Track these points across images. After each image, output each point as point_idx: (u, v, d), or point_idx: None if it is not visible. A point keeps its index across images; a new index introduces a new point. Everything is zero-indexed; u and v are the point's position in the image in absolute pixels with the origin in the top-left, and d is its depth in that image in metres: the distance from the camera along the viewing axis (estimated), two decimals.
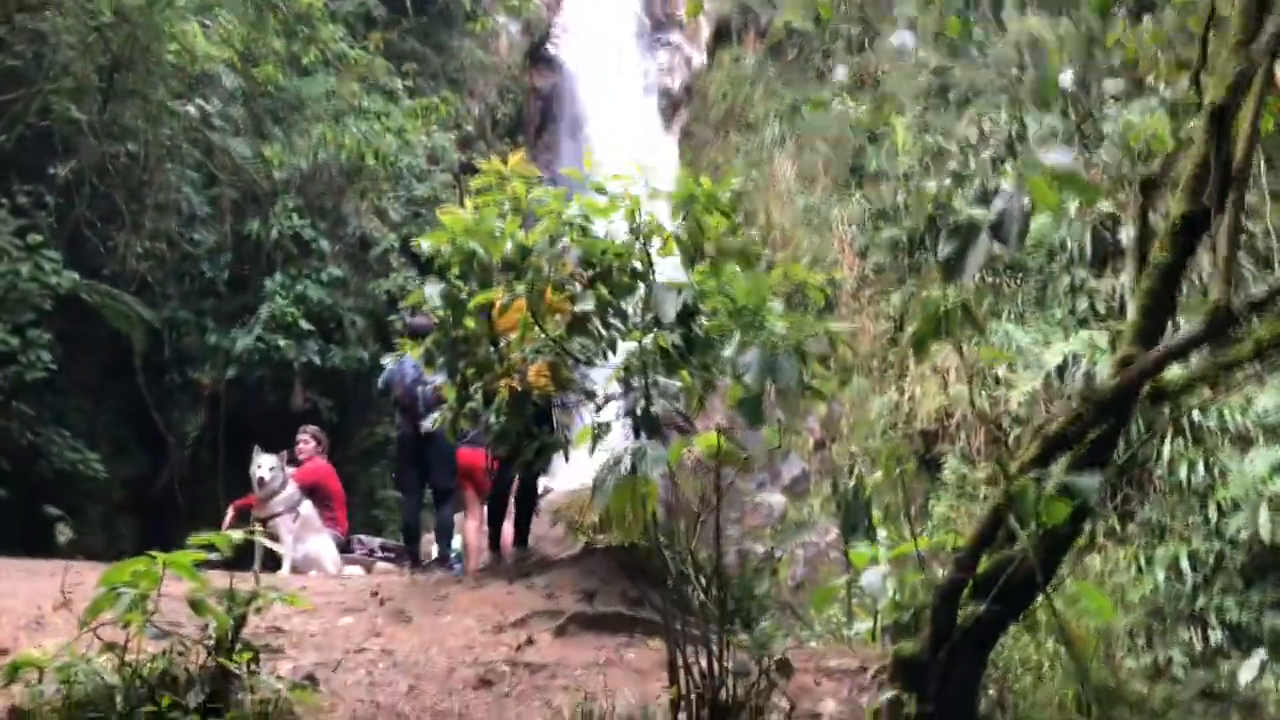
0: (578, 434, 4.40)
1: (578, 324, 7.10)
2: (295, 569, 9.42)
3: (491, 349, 7.42)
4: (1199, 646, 12.85)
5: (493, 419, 7.95)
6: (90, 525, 17.30)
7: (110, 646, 4.33)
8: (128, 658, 4.29)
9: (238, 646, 4.49)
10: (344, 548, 10.23)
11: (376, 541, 10.97)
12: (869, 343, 17.79)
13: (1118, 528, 13.98)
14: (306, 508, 9.73)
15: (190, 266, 17.48)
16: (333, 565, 9.59)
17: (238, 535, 4.74)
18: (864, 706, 4.70)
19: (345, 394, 19.61)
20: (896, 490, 8.53)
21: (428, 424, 7.80)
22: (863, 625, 5.71)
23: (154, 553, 4.82)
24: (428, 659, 5.25)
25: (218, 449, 18.59)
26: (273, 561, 9.64)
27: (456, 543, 10.61)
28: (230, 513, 10.26)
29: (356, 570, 9.87)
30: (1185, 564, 13.09)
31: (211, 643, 4.46)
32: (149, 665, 4.29)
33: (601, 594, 6.28)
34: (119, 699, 4.12)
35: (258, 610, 4.66)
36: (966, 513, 15.27)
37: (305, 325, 17.71)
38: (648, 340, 4.85)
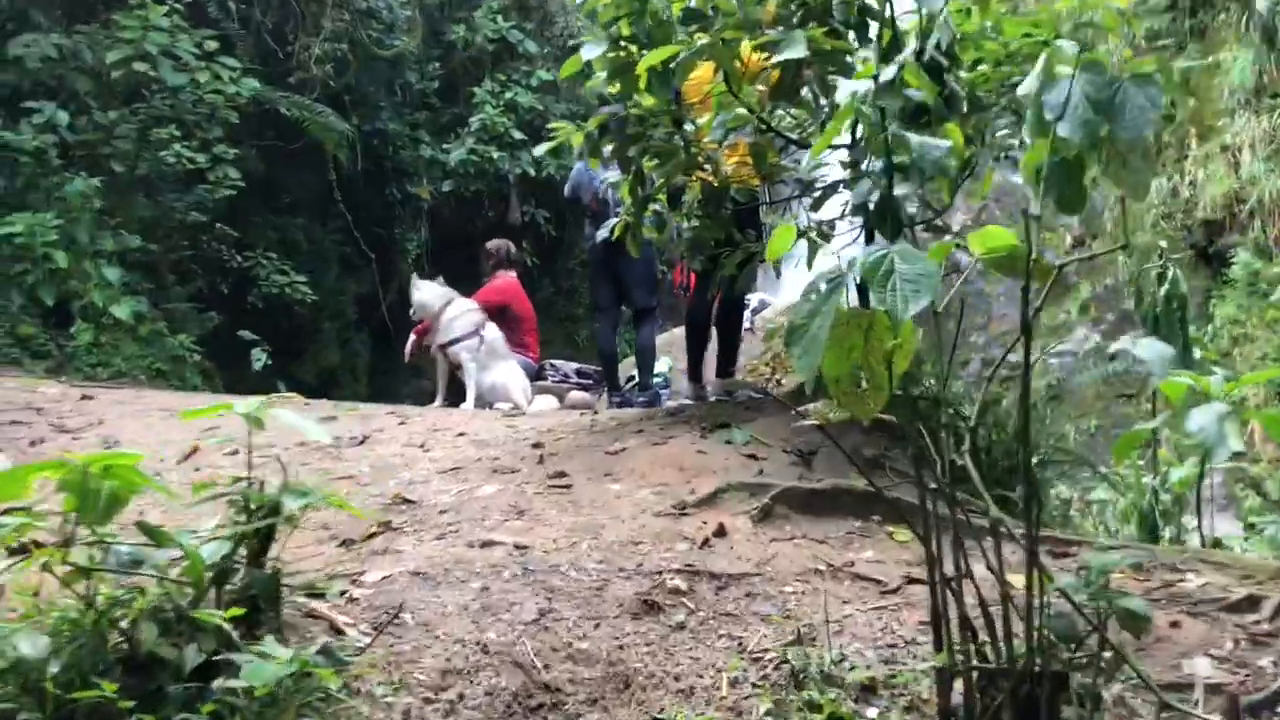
0: (775, 235, 2.44)
1: (784, 86, 5.03)
2: (481, 401, 7.84)
3: (675, 130, 5.42)
4: None
5: (684, 224, 6.03)
6: (327, 344, 16.49)
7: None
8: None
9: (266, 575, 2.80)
10: (536, 375, 8.56)
11: (572, 366, 9.25)
12: None
13: None
14: (491, 332, 8.06)
15: (397, 76, 15.92)
16: (522, 395, 7.94)
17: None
18: (1268, 670, 2.66)
19: (562, 204, 18.03)
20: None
21: (602, 233, 5.93)
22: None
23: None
24: (575, 561, 3.44)
25: (441, 264, 17.40)
26: (459, 394, 8.13)
27: (661, 365, 8.78)
28: (412, 338, 8.71)
29: (549, 401, 8.21)
30: None
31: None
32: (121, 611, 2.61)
33: (824, 454, 4.36)
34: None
35: (288, 520, 2.91)
36: (1258, 316, 12.60)
37: (517, 135, 16.09)
38: (888, 72, 2.76)
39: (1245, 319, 12.97)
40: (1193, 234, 13.96)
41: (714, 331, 6.79)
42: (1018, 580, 2.25)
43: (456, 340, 7.89)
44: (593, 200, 8.08)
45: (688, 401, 6.50)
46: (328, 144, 12.93)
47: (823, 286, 1.97)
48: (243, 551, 2.86)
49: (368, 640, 2.91)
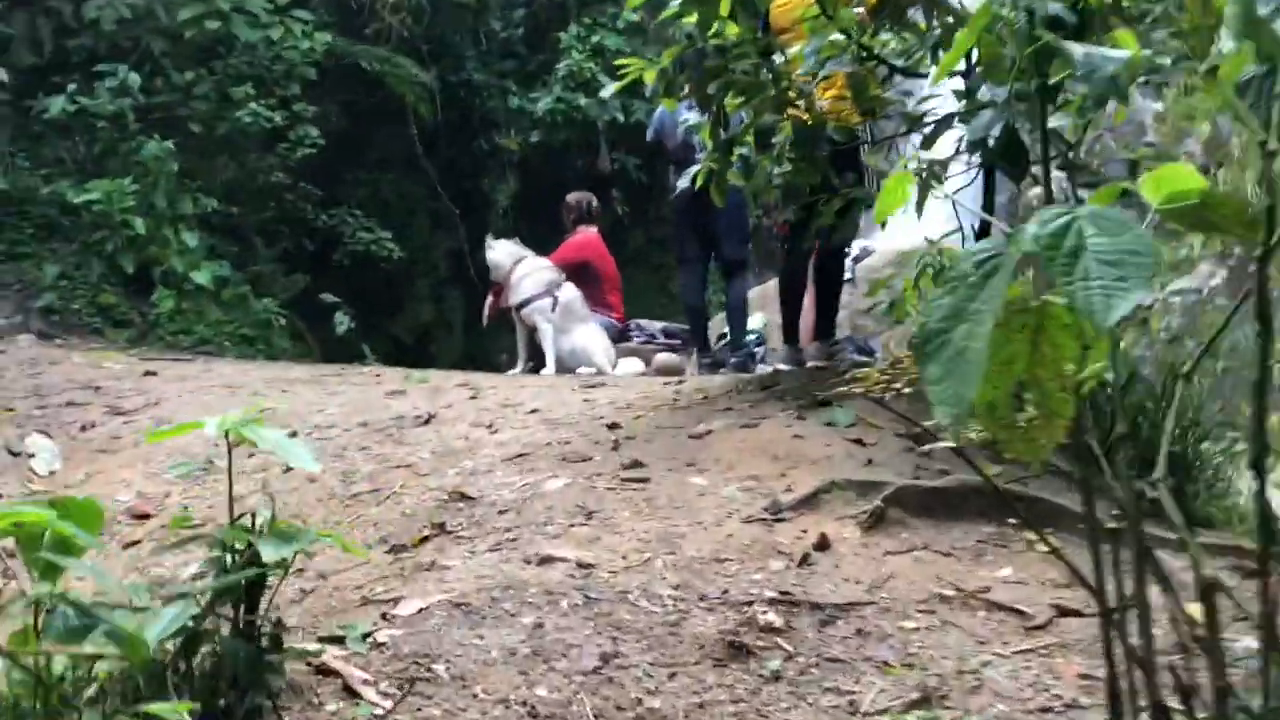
0: (886, 187, 1.77)
1: (887, 6, 4.27)
2: (562, 365, 7.23)
3: (762, 62, 4.68)
4: None
5: (774, 169, 5.29)
6: (421, 300, 16.05)
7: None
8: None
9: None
10: (619, 336, 7.91)
11: (658, 326, 8.55)
12: None
13: None
14: (568, 292, 7.42)
15: (481, 23, 15.26)
16: (605, 358, 7.31)
17: None
18: None
19: (650, 152, 17.27)
20: None
21: (683, 181, 5.24)
22: None
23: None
24: (647, 586, 2.79)
25: (533, 217, 16.82)
26: (540, 357, 7.54)
27: (755, 322, 8.06)
28: (490, 300, 8.11)
29: (634, 364, 7.56)
30: None
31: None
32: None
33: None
34: None
35: (284, 568, 2.29)
36: None
37: (605, 80, 15.32)
38: None
39: None
40: None
41: (811, 287, 6.08)
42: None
43: (528, 301, 7.30)
44: (678, 145, 7.36)
45: (783, 367, 5.81)
46: (408, 97, 12.32)
47: (971, 271, 1.26)
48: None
49: (388, 705, 2.30)
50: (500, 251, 7.56)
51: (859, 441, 3.71)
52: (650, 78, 4.74)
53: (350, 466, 4.44)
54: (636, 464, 3.82)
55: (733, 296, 7.43)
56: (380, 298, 14.48)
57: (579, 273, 7.74)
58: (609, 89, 5.14)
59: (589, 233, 8.31)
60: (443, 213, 16.10)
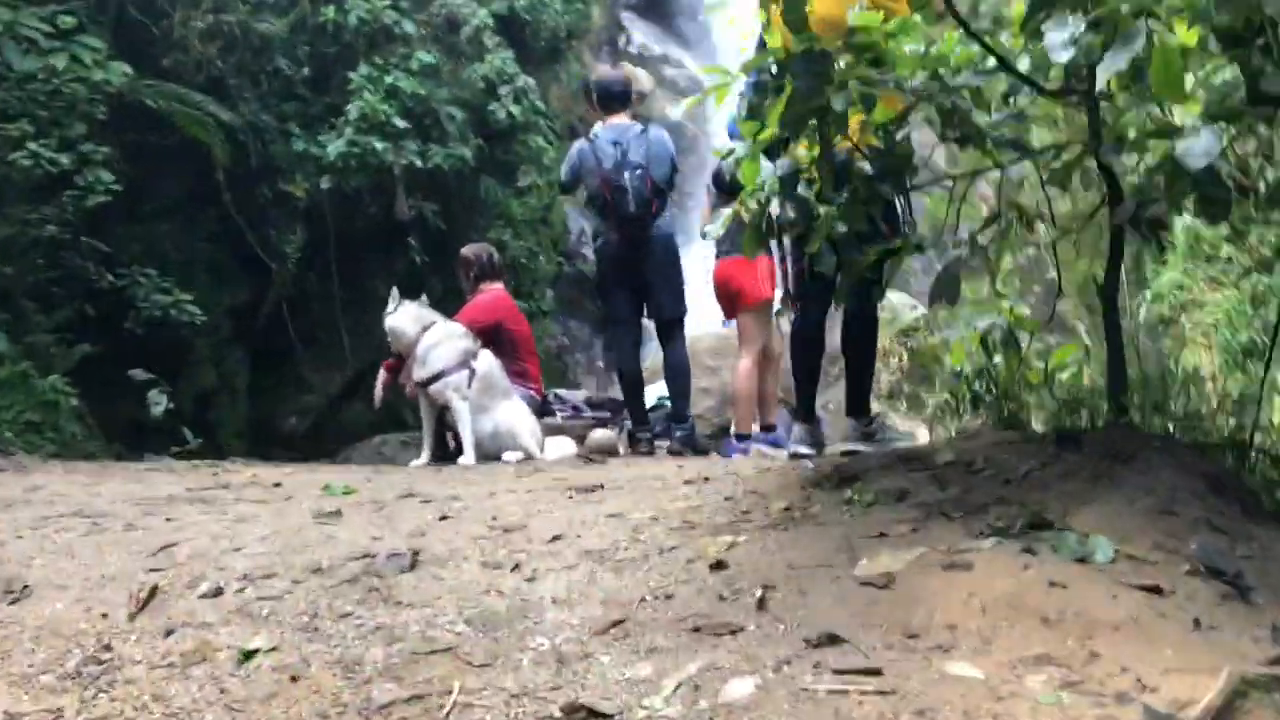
0: None
1: None
2: (481, 450, 5.78)
3: (881, 73, 3.49)
4: None
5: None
6: (199, 362, 13.94)
7: None
8: None
9: None
10: (540, 411, 6.51)
11: (579, 396, 7.21)
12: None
13: None
14: (486, 363, 5.99)
15: (265, 63, 13.42)
16: (533, 440, 5.91)
17: None
18: None
19: (450, 198, 15.80)
20: None
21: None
22: None
23: None
24: None
25: (325, 269, 15.02)
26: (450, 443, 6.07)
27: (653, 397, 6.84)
28: (382, 375, 6.55)
29: (564, 444, 6.19)
30: None
31: None
32: None
33: (1253, 567, 2.50)
34: None
35: None
36: (1204, 280, 11.36)
37: (400, 123, 13.76)
38: None
39: (1190, 283, 11.80)
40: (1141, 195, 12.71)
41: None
42: None
43: (439, 375, 5.82)
44: (603, 185, 6.09)
45: (804, 450, 4.63)
46: (200, 137, 10.44)
47: None
48: None
49: None
50: (404, 316, 6.05)
51: (1155, 589, 2.54)
52: (722, 97, 3.45)
53: (344, 649, 2.93)
54: (831, 639, 2.53)
55: (674, 360, 6.21)
56: (157, 362, 12.40)
57: (489, 337, 6.31)
58: (680, 106, 3.79)
59: (496, 289, 6.87)
60: (222, 266, 14.10)
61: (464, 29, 14.93)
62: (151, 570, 3.55)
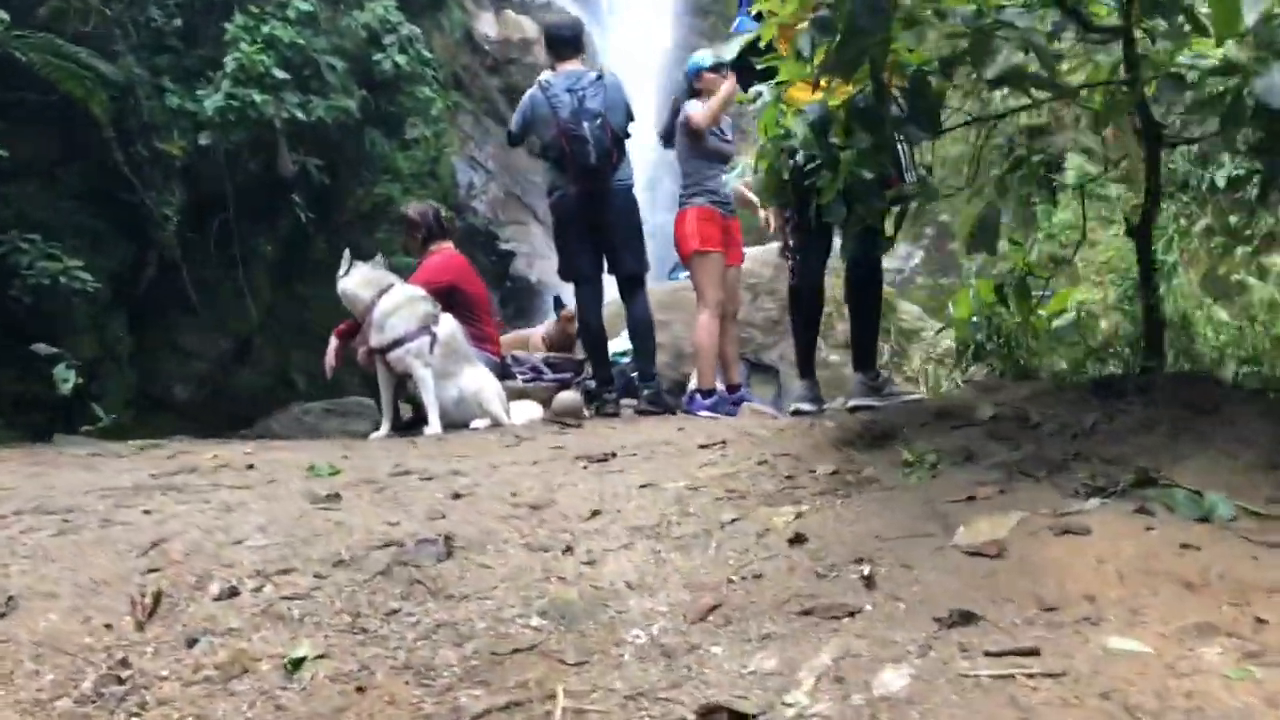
0: None
1: None
2: (447, 418, 5.42)
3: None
4: None
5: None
6: (80, 331, 13.05)
7: None
8: None
9: None
10: (501, 374, 6.15)
11: (537, 356, 6.86)
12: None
13: None
14: (447, 326, 5.60)
15: (136, 13, 12.52)
16: (501, 406, 5.57)
17: None
18: None
19: (334, 152, 15.09)
20: None
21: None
22: None
23: None
24: None
25: (206, 230, 14.20)
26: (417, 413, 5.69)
27: (617, 346, 6.58)
28: (333, 343, 6.09)
29: (529, 408, 5.86)
30: None
31: None
32: None
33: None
34: None
35: None
36: (1097, 221, 11.51)
37: (279, 74, 13.01)
38: None
39: (1079, 223, 11.99)
40: (1013, 140, 12.85)
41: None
42: None
43: (399, 341, 5.42)
44: (560, 135, 5.74)
45: (806, 407, 4.43)
46: (76, 94, 9.65)
47: None
48: None
49: None
50: (356, 279, 5.61)
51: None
52: (769, 34, 3.19)
53: (408, 653, 2.63)
54: (966, 617, 2.35)
55: (638, 316, 5.92)
56: (37, 335, 11.54)
57: (445, 300, 5.91)
58: (733, 45, 3.47)
59: (446, 249, 6.45)
60: (98, 229, 13.20)
61: None
62: (149, 571, 3.18)
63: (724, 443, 3.94)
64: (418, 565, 3.07)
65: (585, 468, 3.85)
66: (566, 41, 6.02)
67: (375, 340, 5.45)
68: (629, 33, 16.45)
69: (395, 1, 14.50)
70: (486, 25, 16.84)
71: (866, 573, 2.59)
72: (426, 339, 5.41)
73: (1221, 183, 10.64)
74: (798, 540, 2.85)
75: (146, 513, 3.71)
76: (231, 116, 12.85)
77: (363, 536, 3.32)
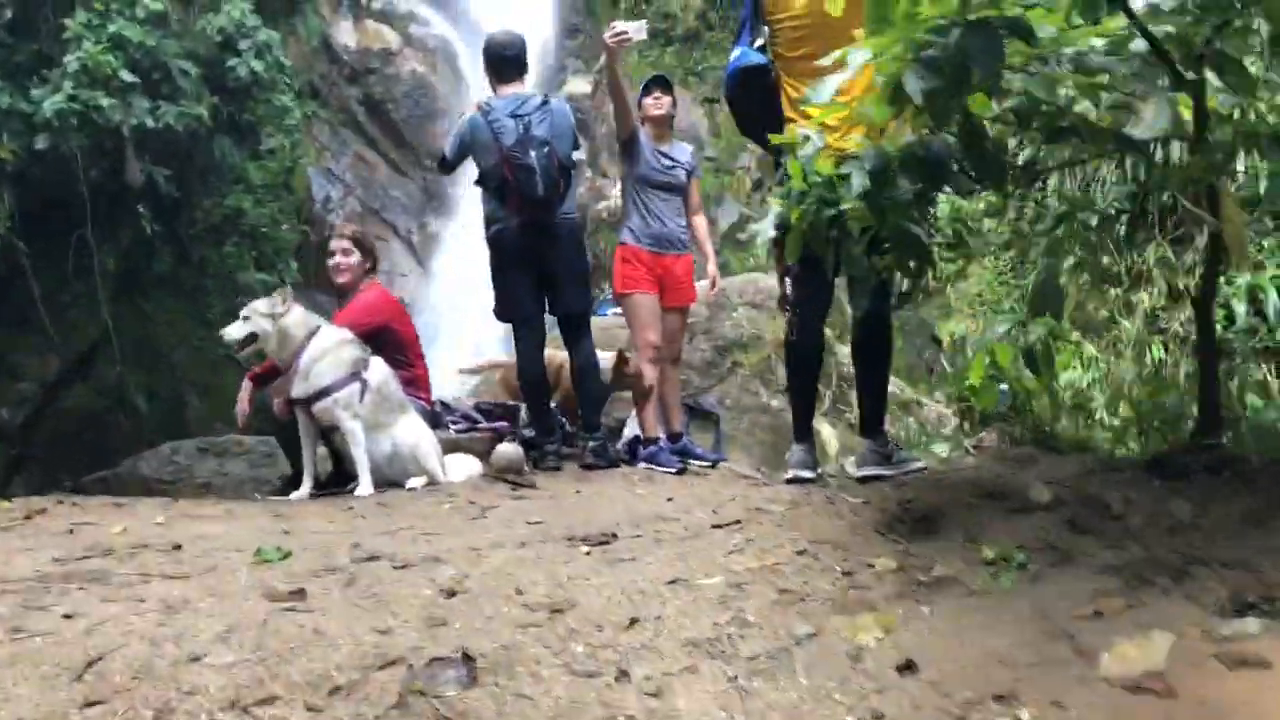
0: None
1: None
2: (379, 476, 4.74)
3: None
4: None
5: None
6: None
7: None
8: None
9: None
10: (432, 422, 5.45)
11: (468, 403, 6.16)
12: None
13: None
14: (379, 373, 4.91)
15: None
16: (438, 462, 4.92)
17: None
18: None
19: (181, 160, 13.95)
20: None
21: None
22: None
23: None
24: None
25: (39, 241, 12.89)
26: (339, 471, 4.97)
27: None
28: (246, 387, 5.26)
29: (467, 463, 5.19)
30: None
31: None
32: None
33: None
34: None
35: None
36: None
37: (127, 77, 11.89)
38: None
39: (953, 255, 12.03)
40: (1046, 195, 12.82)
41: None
42: None
43: (325, 391, 4.70)
44: (503, 164, 5.14)
45: (805, 474, 3.98)
46: None
47: None
48: None
49: None
50: (297, 318, 4.78)
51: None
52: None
53: None
54: None
55: (582, 360, 5.36)
56: None
57: (374, 341, 5.18)
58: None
59: (376, 284, 5.70)
60: None
61: None
62: (88, 705, 2.51)
63: (739, 522, 3.46)
64: (438, 695, 2.49)
65: (588, 553, 3.31)
66: (509, 62, 5.42)
67: (299, 390, 4.72)
68: None
69: (251, 5, 13.51)
70: (345, 34, 15.95)
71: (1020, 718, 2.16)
72: (356, 387, 4.72)
73: (1094, 220, 10.67)
74: (908, 668, 2.39)
75: (68, 617, 2.99)
76: (73, 120, 11.68)
77: (351, 650, 2.71)
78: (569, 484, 4.64)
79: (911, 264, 3.24)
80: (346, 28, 16.04)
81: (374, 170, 16.26)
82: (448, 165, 5.47)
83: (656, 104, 5.91)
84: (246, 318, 4.78)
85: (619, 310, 6.04)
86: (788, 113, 4.07)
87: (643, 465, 5.47)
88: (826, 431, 5.98)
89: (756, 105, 4.18)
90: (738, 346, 6.43)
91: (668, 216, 5.80)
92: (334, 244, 5.45)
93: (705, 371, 6.35)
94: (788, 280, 4.06)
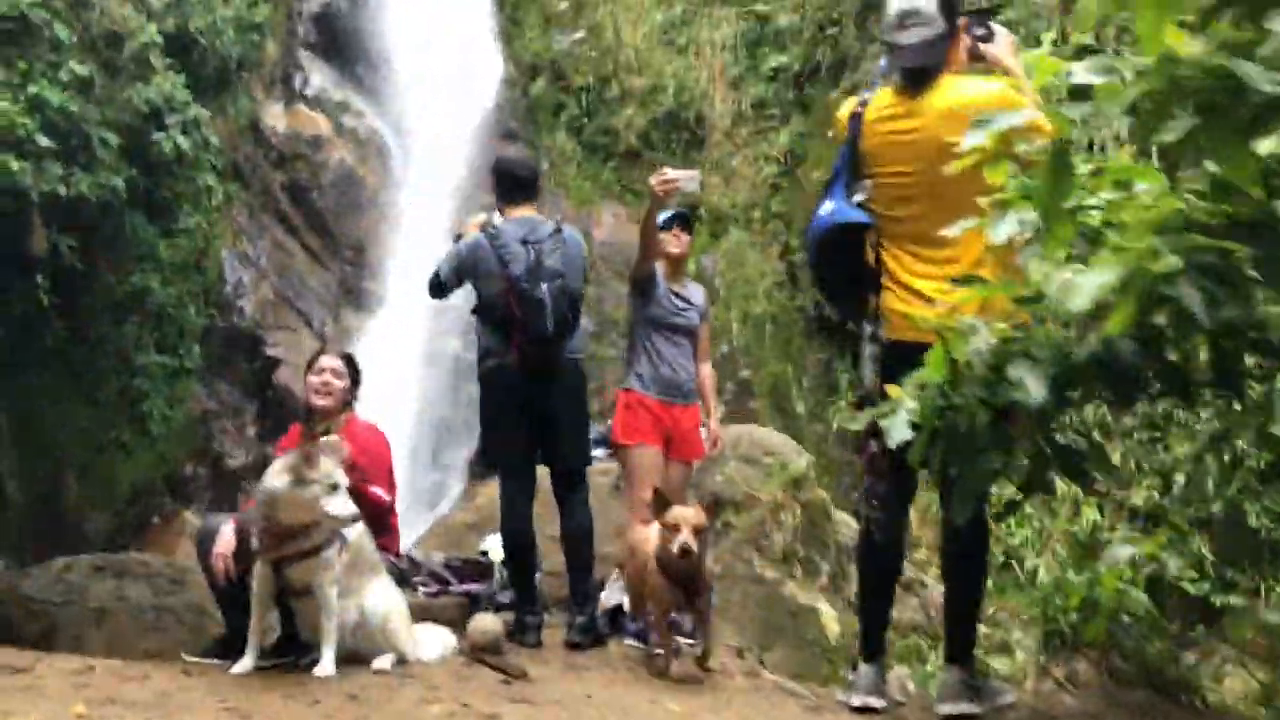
0: None
1: None
2: (341, 649, 3.90)
3: None
4: None
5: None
6: None
7: None
8: None
9: None
10: (399, 579, 4.59)
11: (437, 559, 5.34)
12: (748, 190, 13.28)
13: None
14: (356, 530, 4.13)
15: None
16: (410, 635, 4.13)
17: None
18: None
19: (88, 231, 12.90)
20: None
21: (895, 429, 2.67)
22: None
23: None
24: None
25: None
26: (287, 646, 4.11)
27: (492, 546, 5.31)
28: (226, 538, 4.26)
29: (441, 638, 4.36)
30: None
31: None
32: None
33: None
34: None
35: None
36: None
37: (43, 141, 10.94)
38: None
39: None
40: (821, 307, 12.54)
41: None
42: None
43: (315, 550, 3.85)
44: (508, 294, 4.50)
45: (875, 704, 3.32)
46: None
47: None
48: None
49: None
50: (320, 470, 3.78)
51: None
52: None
53: None
54: None
55: (576, 523, 4.68)
56: None
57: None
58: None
59: (357, 419, 4.81)
60: None
61: (128, 44, 12.37)
62: None
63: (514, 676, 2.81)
64: None
65: None
66: (521, 183, 4.83)
67: (297, 544, 3.84)
68: (426, 152, 15.34)
69: (184, 80, 12.76)
70: (275, 117, 15.25)
71: None
72: (336, 546, 3.92)
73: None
74: None
75: None
76: None
77: None
78: (568, 679, 3.92)
79: (1047, 477, 2.70)
80: (277, 111, 15.33)
81: (291, 257, 15.40)
82: (440, 289, 4.80)
83: (676, 241, 5.38)
84: (337, 486, 3.80)
85: (598, 455, 5.40)
86: (886, 282, 3.55)
87: (629, 641, 4.80)
88: (826, 613, 5.39)
89: (850, 267, 3.64)
90: (730, 505, 5.84)
91: (678, 363, 5.22)
92: (325, 361, 4.58)
93: None
94: (867, 467, 3.49)
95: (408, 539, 9.67)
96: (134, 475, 13.10)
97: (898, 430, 2.59)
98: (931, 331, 3.34)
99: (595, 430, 5.24)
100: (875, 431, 3.39)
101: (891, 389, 2.72)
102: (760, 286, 13.37)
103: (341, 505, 3.75)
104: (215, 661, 4.15)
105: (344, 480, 3.79)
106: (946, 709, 3.26)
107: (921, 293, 3.34)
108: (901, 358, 3.24)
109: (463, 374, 13.16)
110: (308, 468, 3.74)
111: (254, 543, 3.91)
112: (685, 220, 5.47)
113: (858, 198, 3.62)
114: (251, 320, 14.29)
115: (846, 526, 5.89)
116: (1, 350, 12.62)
